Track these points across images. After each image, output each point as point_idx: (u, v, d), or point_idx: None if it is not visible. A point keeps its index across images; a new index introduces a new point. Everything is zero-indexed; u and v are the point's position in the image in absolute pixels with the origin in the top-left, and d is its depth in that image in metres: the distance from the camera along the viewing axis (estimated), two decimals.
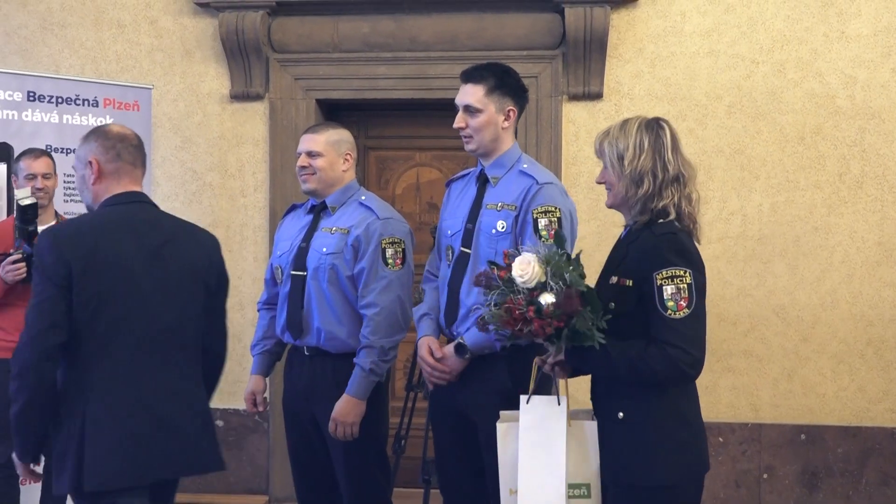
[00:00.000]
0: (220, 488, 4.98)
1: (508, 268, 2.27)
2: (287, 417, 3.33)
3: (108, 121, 4.44)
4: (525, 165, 2.92)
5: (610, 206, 2.45)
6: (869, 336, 4.62)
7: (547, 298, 2.19)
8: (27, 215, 3.62)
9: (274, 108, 4.91)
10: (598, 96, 4.72)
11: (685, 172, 2.35)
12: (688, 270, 2.23)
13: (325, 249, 3.14)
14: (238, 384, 4.95)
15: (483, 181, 2.97)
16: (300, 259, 3.18)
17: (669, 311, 2.21)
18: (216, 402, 4.98)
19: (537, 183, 2.84)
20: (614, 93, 4.73)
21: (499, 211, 2.85)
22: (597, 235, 4.52)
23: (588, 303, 2.21)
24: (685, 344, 2.21)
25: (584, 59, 4.67)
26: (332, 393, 3.09)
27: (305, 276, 3.15)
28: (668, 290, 2.21)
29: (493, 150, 2.95)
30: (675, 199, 2.32)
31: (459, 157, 5.03)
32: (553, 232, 2.74)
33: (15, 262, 3.63)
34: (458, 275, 2.91)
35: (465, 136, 2.95)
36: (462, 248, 2.90)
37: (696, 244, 2.36)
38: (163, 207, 4.83)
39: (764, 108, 4.66)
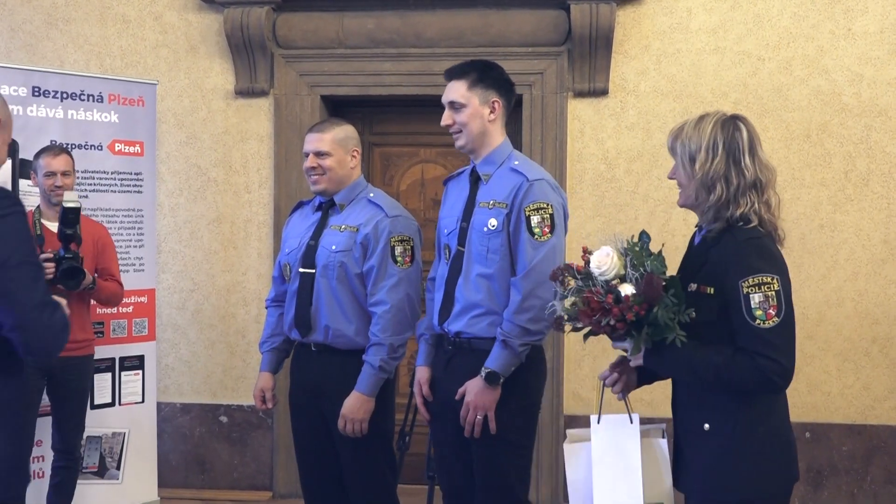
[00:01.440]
0: (224, 484, 4.99)
1: (586, 263, 2.21)
2: (294, 413, 3.33)
3: (114, 116, 4.44)
4: (516, 162, 2.92)
5: (682, 206, 2.34)
6: (874, 334, 4.61)
7: (626, 289, 2.12)
8: (68, 217, 3.66)
9: (279, 104, 4.91)
10: (603, 93, 4.71)
11: (763, 177, 2.22)
12: (775, 277, 2.12)
13: (334, 247, 3.15)
14: (241, 380, 4.97)
15: (475, 179, 2.98)
16: (309, 256, 3.18)
17: (758, 321, 2.11)
18: (220, 398, 5.08)
19: (528, 180, 2.84)
20: (620, 89, 4.72)
21: (490, 209, 2.86)
22: (602, 232, 4.51)
23: (672, 289, 2.13)
24: (776, 354, 2.11)
25: (589, 56, 4.65)
26: (340, 389, 3.10)
27: (314, 274, 3.15)
28: (756, 298, 2.11)
29: (482, 145, 2.94)
30: (756, 206, 2.20)
31: (464, 153, 5.02)
32: (546, 229, 2.77)
33: (45, 261, 3.65)
34: (454, 273, 2.92)
35: (455, 133, 2.97)
36: (458, 247, 2.92)
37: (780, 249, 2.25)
38: (167, 203, 4.98)
39: (770, 106, 4.65)
